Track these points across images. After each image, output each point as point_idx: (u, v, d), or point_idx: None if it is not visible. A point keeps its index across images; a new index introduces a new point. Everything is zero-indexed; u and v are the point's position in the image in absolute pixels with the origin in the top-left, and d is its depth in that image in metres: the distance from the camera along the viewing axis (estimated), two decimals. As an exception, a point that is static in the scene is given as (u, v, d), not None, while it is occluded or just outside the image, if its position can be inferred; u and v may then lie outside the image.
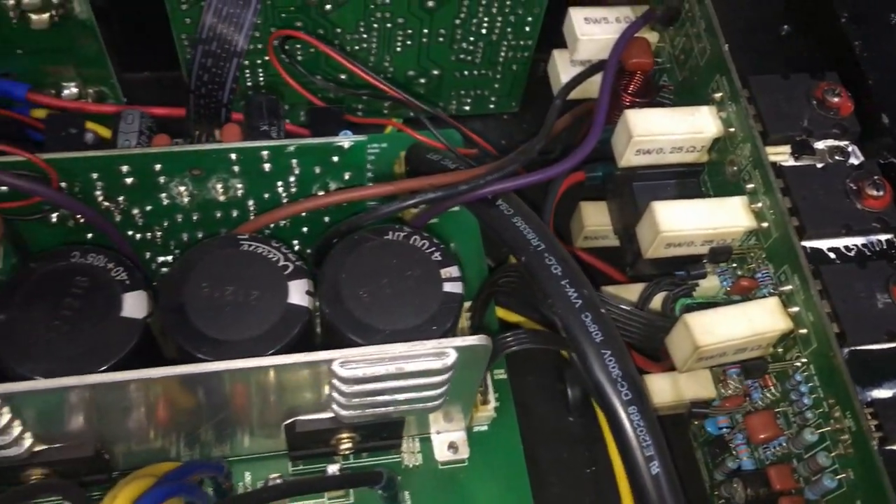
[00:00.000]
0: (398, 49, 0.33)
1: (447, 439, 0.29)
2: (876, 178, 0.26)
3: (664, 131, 0.28)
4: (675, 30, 0.30)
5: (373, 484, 0.26)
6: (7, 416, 0.23)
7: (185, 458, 0.27)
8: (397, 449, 0.29)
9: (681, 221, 0.26)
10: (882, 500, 0.22)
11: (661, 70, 0.31)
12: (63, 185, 0.25)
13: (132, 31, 0.33)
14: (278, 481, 0.28)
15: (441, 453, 0.29)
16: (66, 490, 0.23)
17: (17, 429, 0.23)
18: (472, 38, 0.34)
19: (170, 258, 0.29)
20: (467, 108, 0.37)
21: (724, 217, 0.27)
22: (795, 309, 0.25)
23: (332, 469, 0.27)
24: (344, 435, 0.27)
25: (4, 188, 0.24)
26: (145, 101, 0.33)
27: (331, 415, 0.26)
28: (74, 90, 0.32)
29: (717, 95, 0.28)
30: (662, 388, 0.29)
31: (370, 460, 0.29)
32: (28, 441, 0.24)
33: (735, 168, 0.27)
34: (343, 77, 0.33)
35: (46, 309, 0.24)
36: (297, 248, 0.29)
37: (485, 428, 0.30)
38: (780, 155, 0.27)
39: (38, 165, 0.24)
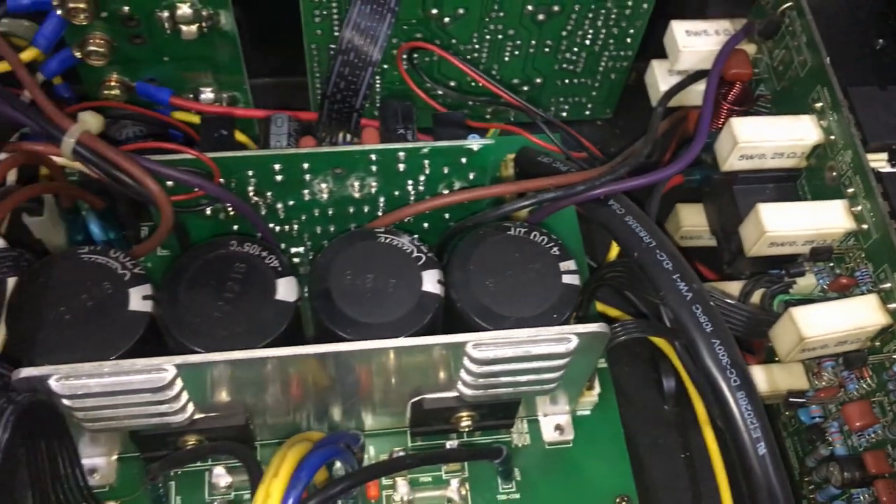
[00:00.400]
0: (506, 59, 0.36)
1: (554, 421, 0.32)
2: (971, 187, 0.28)
3: (767, 138, 0.30)
4: (774, 42, 0.32)
5: (494, 458, 0.28)
6: (178, 386, 0.26)
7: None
8: (508, 429, 0.31)
9: (785, 222, 0.28)
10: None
11: (759, 80, 0.33)
12: (222, 180, 0.28)
13: (263, 40, 0.35)
14: (401, 454, 0.30)
15: (548, 434, 0.32)
16: (238, 451, 0.26)
17: (183, 398, 0.26)
18: (575, 49, 0.36)
19: (301, 249, 0.32)
20: (564, 113, 0.39)
21: (826, 219, 0.28)
22: (894, 305, 0.27)
23: (452, 444, 0.30)
24: (465, 413, 0.29)
25: (170, 182, 0.27)
26: (268, 104, 0.36)
27: (455, 394, 0.28)
28: (210, 95, 0.35)
29: (818, 105, 0.30)
30: (759, 380, 0.31)
31: (483, 439, 0.31)
32: (190, 409, 0.27)
33: (835, 173, 0.29)
34: (453, 84, 0.36)
35: (211, 291, 0.27)
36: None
37: (587, 412, 0.32)
38: (879, 161, 0.29)
39: (205, 163, 0.27)
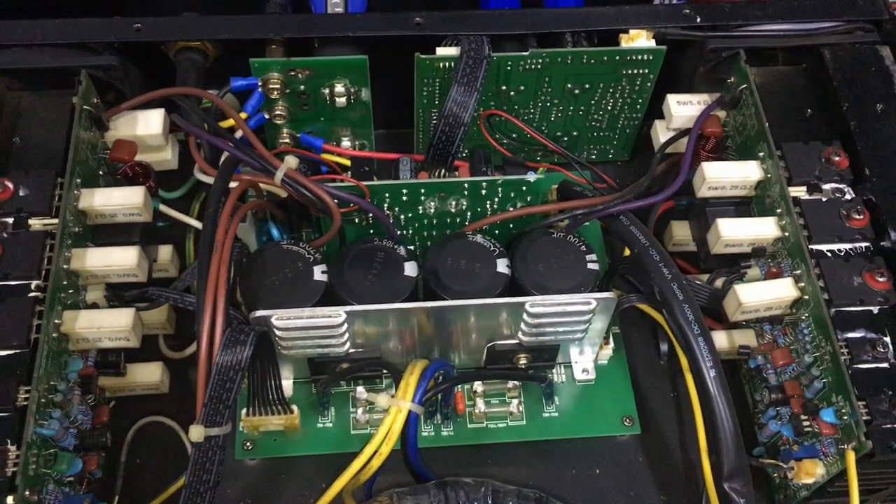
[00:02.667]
0: (552, 118, 0.51)
1: (581, 366, 0.46)
2: (858, 207, 0.42)
3: (726, 176, 0.44)
4: (735, 111, 0.47)
5: (541, 382, 0.43)
6: (344, 327, 0.41)
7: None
8: (550, 369, 0.46)
9: (735, 231, 0.43)
10: (846, 393, 0.38)
11: (727, 136, 0.48)
12: (369, 200, 0.43)
13: (385, 105, 0.51)
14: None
15: (578, 374, 0.46)
16: (387, 365, 0.41)
17: (346, 335, 0.41)
18: (601, 112, 0.51)
19: (412, 247, 0.47)
20: (593, 156, 0.54)
21: (763, 230, 0.43)
22: (802, 285, 0.41)
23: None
24: (522, 355, 0.44)
25: (338, 201, 0.42)
26: (383, 149, 0.52)
27: (516, 341, 0.43)
28: (347, 142, 0.51)
29: (761, 154, 0.44)
30: (722, 340, 0.45)
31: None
32: (348, 345, 0.42)
33: (770, 199, 0.44)
34: (515, 136, 0.51)
35: (363, 269, 0.42)
36: (490, 243, 0.46)
37: (605, 362, 0.46)
38: (799, 192, 0.43)
39: (362, 189, 0.42)
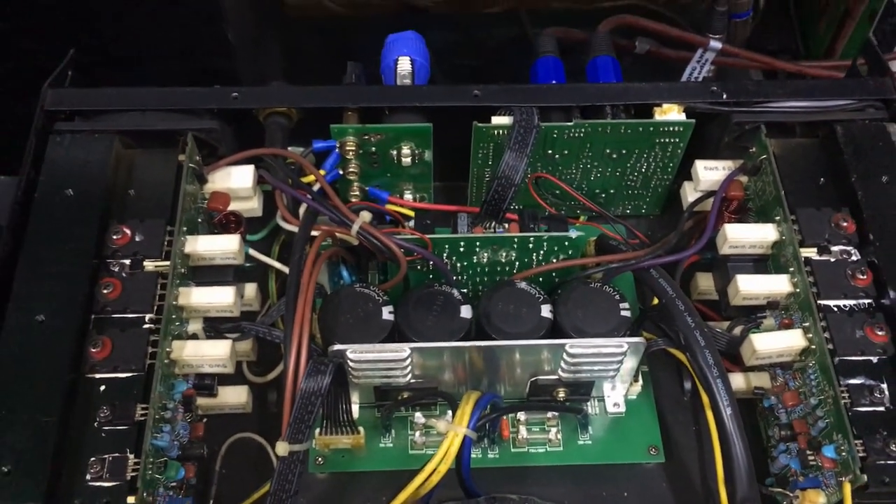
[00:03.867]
0: (592, 178, 0.57)
1: (613, 400, 0.52)
2: (862, 268, 0.48)
3: (745, 237, 0.50)
4: (756, 177, 0.53)
5: (577, 413, 0.49)
6: (408, 361, 0.47)
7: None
8: (585, 402, 0.52)
9: (751, 286, 0.49)
10: (845, 432, 0.43)
11: (748, 199, 0.54)
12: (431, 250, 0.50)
13: (444, 161, 0.57)
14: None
15: (609, 408, 0.52)
16: (445, 395, 0.47)
17: (408, 368, 0.48)
18: (636, 174, 0.57)
19: (466, 290, 0.53)
20: (628, 210, 0.60)
21: (777, 285, 0.49)
22: (810, 336, 0.46)
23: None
24: (561, 389, 0.50)
25: (405, 251, 0.49)
26: (440, 201, 0.59)
27: (556, 377, 0.49)
28: (409, 195, 0.57)
29: (777, 218, 0.50)
30: (740, 381, 0.50)
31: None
32: (409, 376, 0.48)
33: (784, 258, 0.49)
34: (558, 192, 0.57)
35: (425, 311, 0.48)
36: (534, 289, 0.53)
37: (634, 397, 0.52)
38: (811, 252, 0.49)
39: (425, 241, 0.49)
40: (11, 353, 0.44)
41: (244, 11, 0.76)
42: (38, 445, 0.41)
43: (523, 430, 0.50)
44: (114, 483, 0.41)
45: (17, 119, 0.52)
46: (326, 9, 0.77)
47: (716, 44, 0.68)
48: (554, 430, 0.51)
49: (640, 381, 0.52)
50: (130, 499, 0.41)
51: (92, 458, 0.42)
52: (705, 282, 0.54)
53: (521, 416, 0.51)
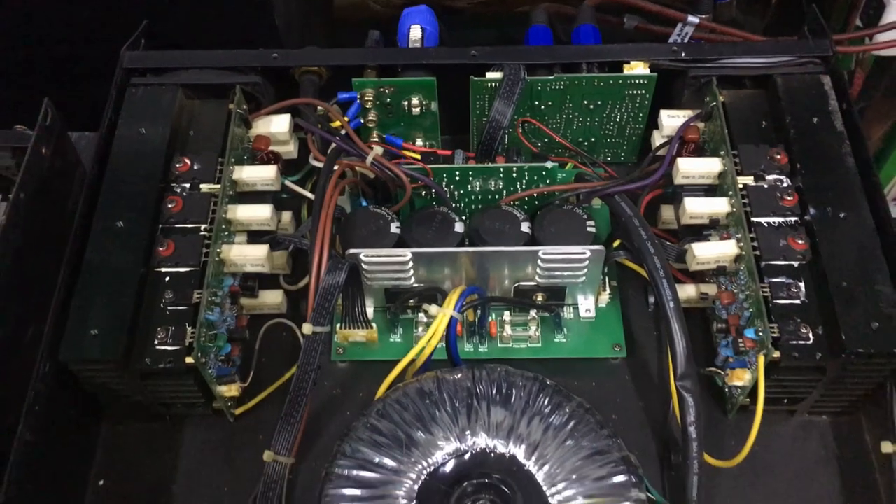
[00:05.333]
0: (574, 127, 0.67)
1: (585, 307, 0.62)
2: (790, 191, 0.57)
3: (695, 168, 0.60)
4: (709, 123, 0.63)
5: (551, 312, 0.59)
6: (410, 265, 0.58)
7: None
8: (560, 307, 0.62)
9: (696, 207, 0.58)
10: (763, 318, 0.52)
11: (704, 141, 0.63)
12: (432, 178, 0.60)
13: (448, 114, 0.68)
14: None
15: (582, 313, 0.61)
16: (440, 292, 0.58)
17: (410, 272, 0.58)
18: (611, 123, 0.67)
19: (461, 213, 0.63)
20: (608, 158, 0.70)
21: (717, 207, 0.58)
22: (742, 244, 0.56)
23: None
24: (539, 293, 0.60)
25: (411, 179, 0.60)
26: (448, 146, 0.69)
27: (535, 283, 0.59)
28: (420, 143, 0.68)
29: (722, 153, 0.60)
30: (690, 291, 0.60)
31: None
32: (412, 279, 0.59)
33: (726, 185, 0.59)
34: (546, 140, 0.68)
35: (425, 226, 0.59)
36: (521, 216, 0.63)
37: (603, 305, 0.62)
38: (748, 180, 0.58)
39: (427, 170, 0.59)
40: (98, 251, 0.56)
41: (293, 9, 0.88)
42: (119, 319, 0.53)
43: (508, 329, 0.61)
44: (175, 347, 0.53)
45: (96, 83, 0.65)
46: (370, 10, 0.89)
47: (693, 19, 0.78)
48: (534, 328, 0.61)
49: (609, 292, 0.62)
50: (188, 359, 0.52)
51: (158, 329, 0.53)
52: (668, 212, 0.64)
53: (507, 316, 0.61)
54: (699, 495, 0.52)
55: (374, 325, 0.60)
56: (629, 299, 0.63)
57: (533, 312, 0.61)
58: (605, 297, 0.62)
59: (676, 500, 0.54)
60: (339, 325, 0.60)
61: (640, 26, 0.81)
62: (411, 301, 0.60)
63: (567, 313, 0.62)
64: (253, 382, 0.59)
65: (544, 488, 0.48)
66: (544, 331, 0.61)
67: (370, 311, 0.61)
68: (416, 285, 0.59)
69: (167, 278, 0.56)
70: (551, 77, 0.63)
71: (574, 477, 0.48)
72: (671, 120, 0.64)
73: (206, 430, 0.59)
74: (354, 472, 0.48)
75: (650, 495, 0.51)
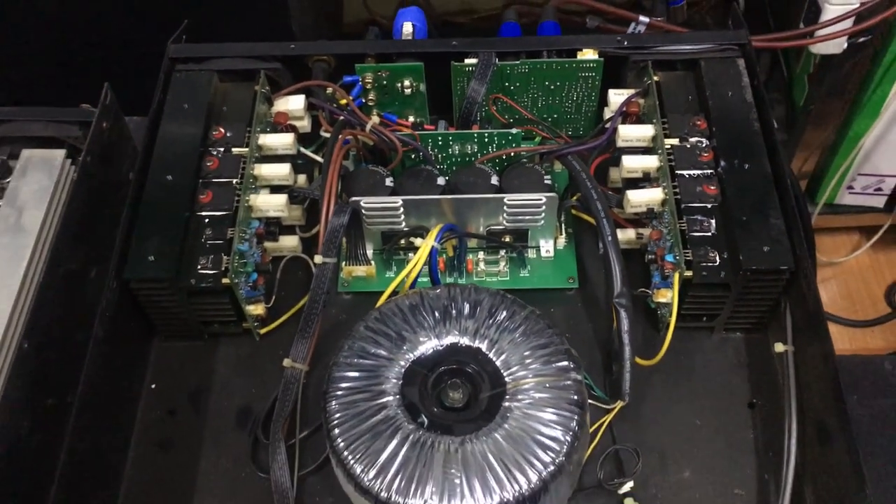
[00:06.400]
0: (539, 105, 0.81)
1: (545, 248, 0.75)
2: (707, 150, 0.71)
3: (632, 133, 0.74)
4: (646, 98, 0.76)
5: (516, 250, 0.73)
6: (401, 210, 0.71)
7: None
8: (525, 249, 0.75)
9: (631, 163, 0.72)
10: (680, 245, 0.66)
11: (643, 113, 0.77)
12: (419, 143, 0.74)
13: (437, 97, 0.82)
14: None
15: (543, 253, 0.75)
16: (425, 231, 0.72)
17: (401, 216, 0.72)
18: (570, 101, 0.81)
19: (442, 172, 0.77)
20: (570, 132, 0.84)
21: (649, 163, 0.72)
22: (667, 191, 0.70)
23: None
24: (507, 235, 0.74)
25: (402, 143, 0.74)
26: (434, 122, 0.84)
27: (503, 226, 0.73)
28: (411, 118, 0.82)
29: (654, 120, 0.74)
30: (630, 234, 0.74)
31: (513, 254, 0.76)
32: (403, 223, 0.73)
33: (657, 146, 0.73)
34: (517, 117, 0.82)
35: (415, 181, 0.72)
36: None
37: (560, 247, 0.76)
38: (674, 141, 0.72)
39: (415, 136, 0.73)
40: (153, 198, 0.70)
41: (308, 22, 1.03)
42: (170, 249, 0.67)
43: (482, 265, 0.74)
44: (214, 271, 0.67)
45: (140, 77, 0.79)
46: (378, 23, 1.04)
47: (644, 19, 0.92)
48: (503, 265, 0.74)
49: (564, 237, 0.76)
50: (224, 280, 0.66)
51: (200, 257, 0.67)
52: (615, 174, 0.78)
53: (481, 255, 0.75)
54: (630, 388, 0.65)
55: (372, 262, 0.74)
56: (583, 244, 0.77)
57: (502, 252, 0.75)
58: (562, 240, 0.75)
59: (614, 396, 0.68)
60: (344, 263, 0.74)
61: (601, 26, 0.95)
62: (402, 241, 0.74)
63: (531, 252, 0.76)
64: (274, 310, 0.73)
65: (502, 371, 0.61)
66: (511, 267, 0.75)
67: (369, 252, 0.75)
68: (406, 228, 0.73)
69: (206, 220, 0.70)
70: (517, 62, 0.77)
71: (525, 363, 0.61)
72: (617, 97, 0.78)
73: (237, 346, 0.73)
74: (355, 360, 0.62)
75: (588, 384, 0.64)
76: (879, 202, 1.34)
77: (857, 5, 0.92)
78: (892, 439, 1.07)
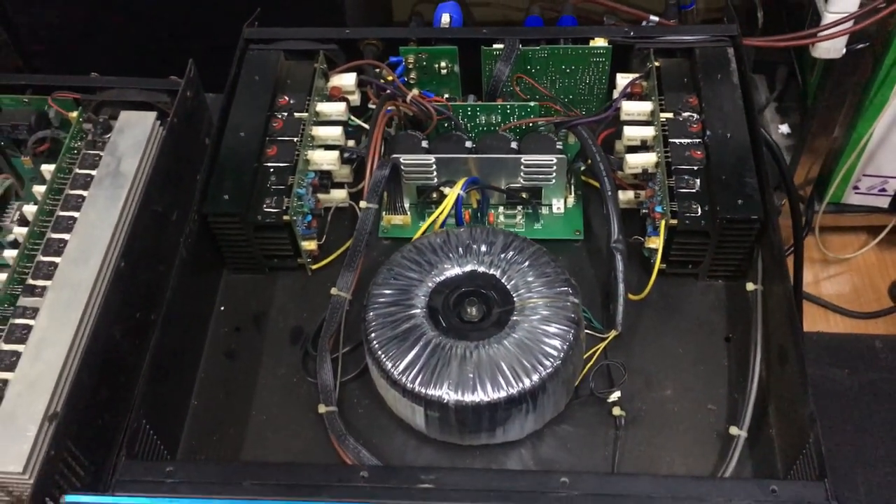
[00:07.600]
0: (557, 87, 0.94)
1: (556, 206, 0.88)
2: (696, 122, 0.83)
3: (634, 108, 0.86)
4: (648, 80, 0.89)
5: (530, 205, 0.86)
6: (434, 166, 0.84)
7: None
8: (539, 206, 0.88)
9: (631, 133, 0.84)
10: (667, 198, 0.78)
11: (645, 93, 0.89)
12: (451, 112, 0.87)
13: (469, 76, 0.95)
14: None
15: (554, 210, 0.88)
16: (454, 184, 0.85)
17: (434, 172, 0.85)
18: (583, 84, 0.93)
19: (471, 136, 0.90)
20: (584, 111, 0.97)
21: (647, 132, 0.84)
22: (660, 155, 0.82)
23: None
24: (524, 192, 0.86)
25: (437, 112, 0.87)
26: (466, 98, 0.97)
27: (520, 183, 0.85)
28: (447, 96, 0.96)
29: (652, 99, 0.86)
30: (630, 195, 0.86)
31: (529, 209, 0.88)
32: (435, 178, 0.86)
33: (654, 119, 0.85)
34: (538, 97, 0.94)
35: (448, 142, 0.85)
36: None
37: (570, 206, 0.88)
38: (669, 115, 0.84)
39: (448, 106, 0.87)
40: (227, 150, 0.84)
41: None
42: (241, 191, 0.81)
43: (501, 217, 0.87)
44: (276, 209, 0.81)
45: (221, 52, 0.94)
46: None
47: (654, 18, 1.04)
48: (519, 218, 0.87)
49: (574, 196, 0.88)
50: (285, 217, 0.80)
51: (266, 199, 0.81)
52: (619, 145, 0.90)
53: (501, 210, 0.88)
54: (623, 320, 0.77)
55: (409, 212, 0.87)
56: (590, 205, 0.89)
57: (519, 207, 0.87)
58: (571, 199, 0.88)
59: (608, 327, 0.79)
60: (384, 212, 0.87)
61: (616, 24, 1.08)
62: (434, 195, 0.87)
63: (543, 210, 0.88)
64: (324, 251, 0.87)
65: (511, 293, 0.74)
66: (526, 220, 0.87)
67: (406, 204, 0.88)
68: (437, 180, 0.86)
69: (271, 170, 0.84)
70: (538, 48, 0.90)
71: (531, 286, 0.74)
72: (623, 80, 0.90)
73: (293, 280, 0.86)
74: (391, 280, 0.75)
75: (588, 317, 0.77)
76: (884, 202, 1.45)
77: (854, 10, 1.04)
78: (879, 408, 1.17)
